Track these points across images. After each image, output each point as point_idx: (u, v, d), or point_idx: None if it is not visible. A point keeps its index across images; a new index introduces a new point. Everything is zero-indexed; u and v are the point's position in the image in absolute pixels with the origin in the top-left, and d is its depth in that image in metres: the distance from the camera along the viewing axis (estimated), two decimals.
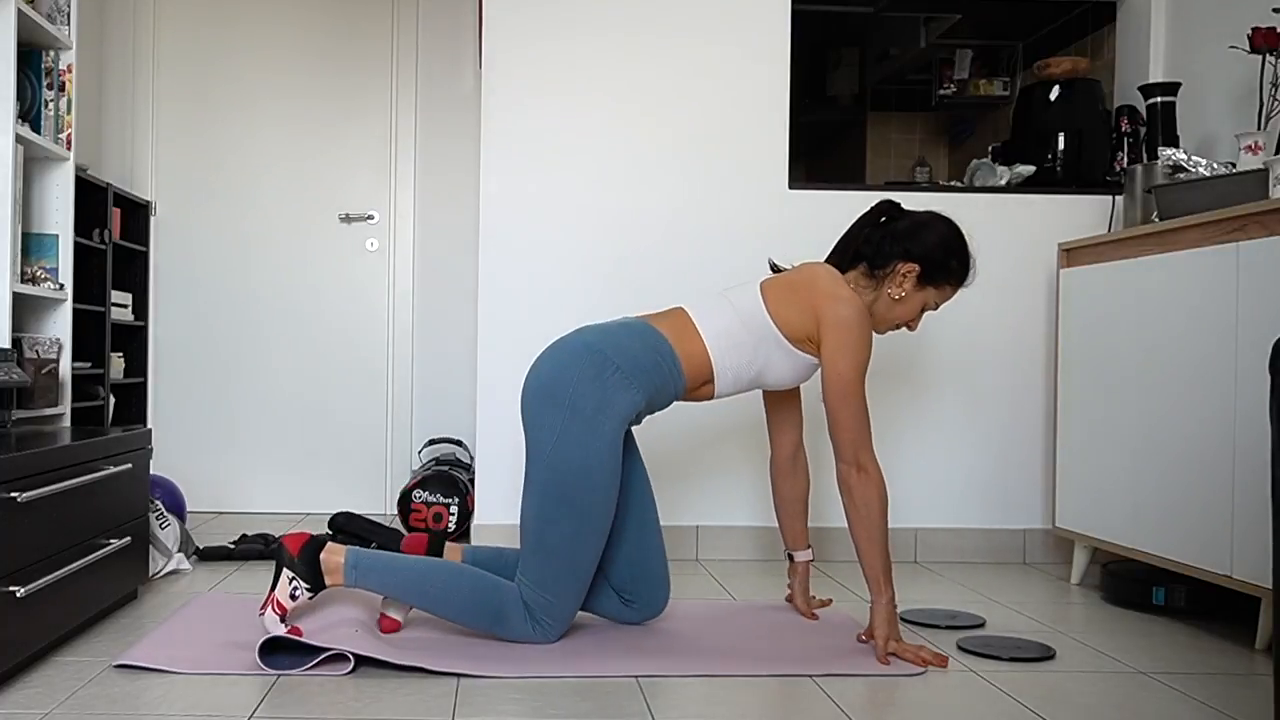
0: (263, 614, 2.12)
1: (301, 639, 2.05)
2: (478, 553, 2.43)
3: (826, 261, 2.38)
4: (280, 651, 2.09)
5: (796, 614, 2.56)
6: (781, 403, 2.53)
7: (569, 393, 2.15)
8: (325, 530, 3.46)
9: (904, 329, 2.33)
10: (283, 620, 2.10)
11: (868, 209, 2.36)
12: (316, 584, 2.12)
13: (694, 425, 3.31)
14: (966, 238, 2.31)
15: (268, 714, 1.80)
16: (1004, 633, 2.46)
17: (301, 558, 2.11)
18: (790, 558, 2.57)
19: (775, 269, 2.46)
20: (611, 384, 2.15)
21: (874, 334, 2.34)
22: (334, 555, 2.13)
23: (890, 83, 4.81)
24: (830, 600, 2.63)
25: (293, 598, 2.11)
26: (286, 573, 2.11)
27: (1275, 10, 2.79)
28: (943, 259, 2.26)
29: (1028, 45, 4.40)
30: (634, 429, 3.08)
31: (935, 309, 2.35)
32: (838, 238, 3.22)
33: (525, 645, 2.22)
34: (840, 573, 3.13)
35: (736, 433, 3.31)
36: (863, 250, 2.31)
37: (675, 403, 2.32)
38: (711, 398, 2.33)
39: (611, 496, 2.17)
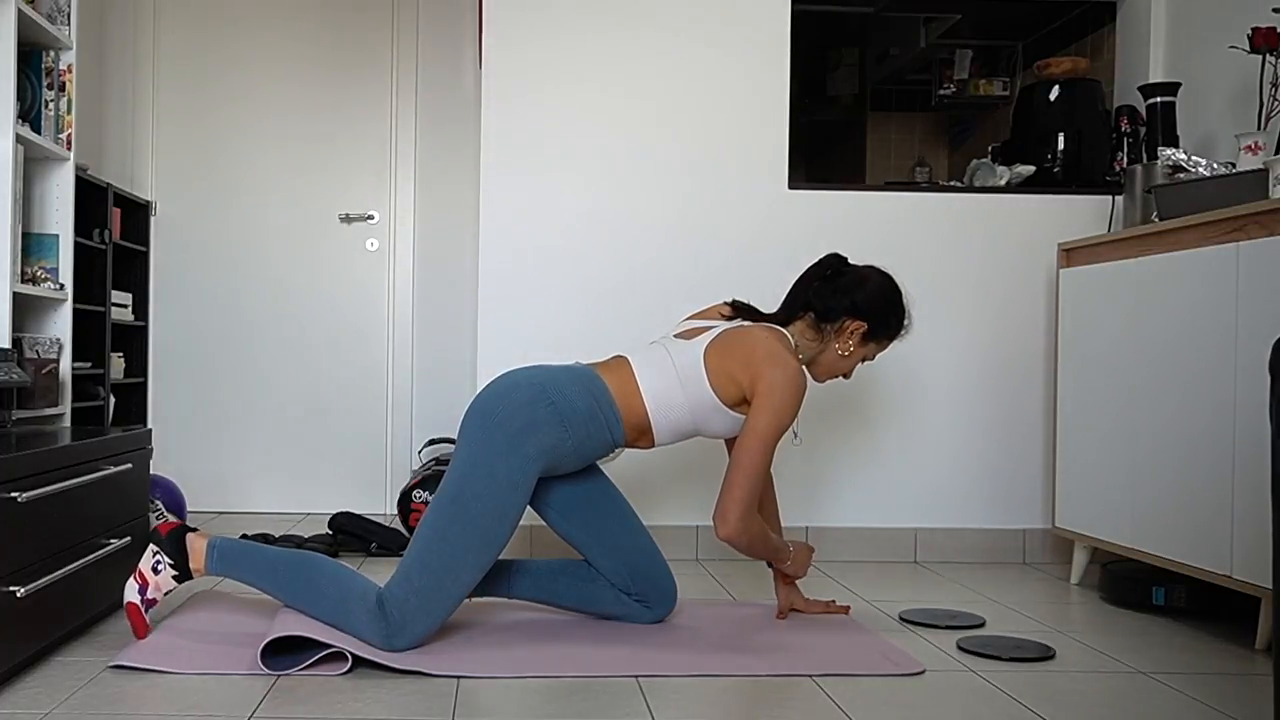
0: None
1: (276, 637, 2.05)
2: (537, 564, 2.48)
3: (776, 312, 2.48)
4: (280, 652, 2.09)
5: (796, 613, 2.56)
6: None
7: (499, 412, 2.21)
8: (326, 530, 3.46)
9: (840, 378, 2.54)
10: (141, 591, 2.18)
11: (815, 263, 2.47)
12: (180, 563, 2.21)
13: None
14: (902, 291, 2.45)
15: (268, 714, 1.81)
16: (1004, 633, 2.46)
17: (169, 536, 2.23)
18: (771, 565, 2.57)
19: (737, 306, 2.47)
20: (541, 414, 2.21)
21: (816, 383, 2.50)
22: (199, 538, 2.23)
23: (890, 83, 4.81)
24: (848, 607, 2.60)
25: (155, 570, 2.19)
26: (151, 547, 2.22)
27: (1275, 10, 2.79)
28: (885, 317, 2.42)
29: (1028, 45, 4.40)
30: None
31: (872, 360, 2.50)
32: (837, 238, 3.23)
33: (523, 645, 2.22)
34: (838, 572, 3.13)
35: None
36: (812, 301, 2.43)
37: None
38: (651, 447, 2.41)
39: (507, 519, 2.17)
